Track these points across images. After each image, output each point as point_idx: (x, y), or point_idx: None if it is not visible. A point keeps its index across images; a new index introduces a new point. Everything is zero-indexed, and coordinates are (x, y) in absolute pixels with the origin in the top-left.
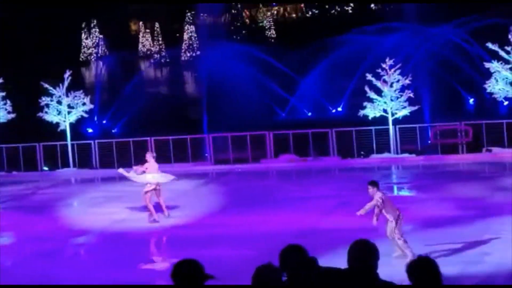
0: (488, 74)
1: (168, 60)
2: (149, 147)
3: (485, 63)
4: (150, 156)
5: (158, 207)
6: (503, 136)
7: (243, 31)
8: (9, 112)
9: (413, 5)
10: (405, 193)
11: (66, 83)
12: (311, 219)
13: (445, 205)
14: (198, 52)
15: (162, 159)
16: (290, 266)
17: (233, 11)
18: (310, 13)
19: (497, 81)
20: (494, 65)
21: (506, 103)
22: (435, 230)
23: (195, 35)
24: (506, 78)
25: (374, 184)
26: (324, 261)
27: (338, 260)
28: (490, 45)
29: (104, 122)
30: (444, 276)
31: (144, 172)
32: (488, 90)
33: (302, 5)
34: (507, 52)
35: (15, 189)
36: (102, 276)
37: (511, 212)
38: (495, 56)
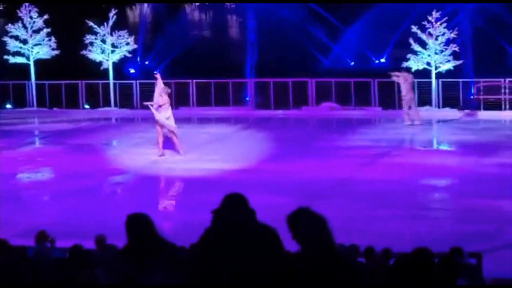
0: None
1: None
2: (190, 89)
3: None
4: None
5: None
6: None
7: None
8: (53, 49)
9: None
10: (444, 147)
11: (110, 22)
12: (349, 169)
13: (484, 162)
14: None
15: (203, 102)
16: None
17: None
18: None
19: None
20: None
21: None
22: (473, 186)
23: None
24: None
25: None
26: (359, 210)
27: (371, 210)
28: None
29: (147, 63)
30: (479, 232)
31: (159, 107)
32: None
33: None
34: None
35: (56, 126)
36: None
37: None
38: None
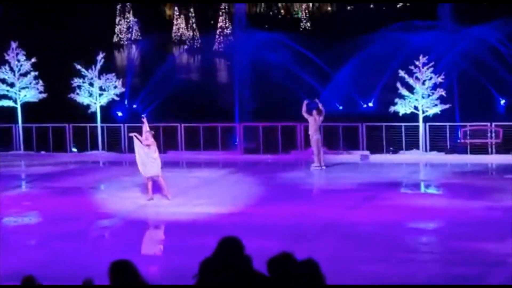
0: None
1: (201, 46)
2: (178, 133)
3: None
4: (150, 135)
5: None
6: None
7: (278, 22)
8: (40, 92)
9: (448, 4)
10: (432, 190)
11: (98, 66)
12: (336, 212)
13: (471, 205)
14: (231, 39)
15: (191, 146)
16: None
17: None
18: (347, 7)
19: None
20: None
21: None
22: (460, 229)
23: (229, 23)
24: None
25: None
26: (345, 253)
27: (358, 253)
28: None
29: (135, 106)
30: (466, 275)
31: (147, 146)
32: None
33: None
34: None
35: (43, 169)
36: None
37: None
38: None
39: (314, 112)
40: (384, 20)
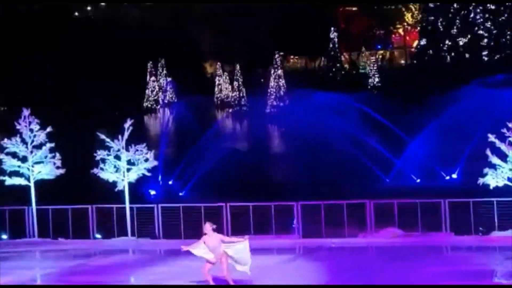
0: None
1: (249, 109)
2: (224, 214)
3: None
4: (209, 228)
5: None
6: None
7: (341, 78)
8: (57, 167)
9: None
10: None
11: (126, 135)
12: None
13: None
14: (286, 100)
15: (239, 229)
16: None
17: (331, 53)
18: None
19: None
20: None
21: None
22: None
23: (283, 81)
24: None
25: None
26: None
27: None
28: None
29: (170, 182)
30: None
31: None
32: None
33: (413, 48)
34: None
35: (62, 261)
36: None
37: None
38: None
39: None
40: (468, 72)
